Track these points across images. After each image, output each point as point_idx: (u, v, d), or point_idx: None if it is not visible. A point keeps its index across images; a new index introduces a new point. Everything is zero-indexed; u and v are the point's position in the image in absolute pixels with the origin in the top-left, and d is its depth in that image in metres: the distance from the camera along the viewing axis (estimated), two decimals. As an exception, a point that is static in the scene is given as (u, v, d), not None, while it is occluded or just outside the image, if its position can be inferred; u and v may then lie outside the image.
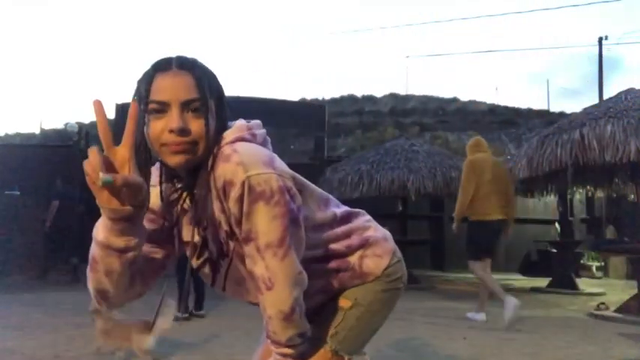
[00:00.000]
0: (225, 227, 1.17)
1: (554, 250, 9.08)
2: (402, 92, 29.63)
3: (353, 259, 1.33)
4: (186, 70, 1.13)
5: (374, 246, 1.36)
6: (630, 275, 9.59)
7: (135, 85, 1.17)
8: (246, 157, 1.10)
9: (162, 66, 1.14)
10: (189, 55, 1.18)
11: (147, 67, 1.16)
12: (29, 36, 60.59)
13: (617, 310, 5.76)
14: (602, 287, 8.51)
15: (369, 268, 1.34)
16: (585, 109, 7.34)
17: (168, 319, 3.25)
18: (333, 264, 1.32)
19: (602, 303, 6.09)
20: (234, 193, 1.09)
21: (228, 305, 6.03)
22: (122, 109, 11.41)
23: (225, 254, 1.23)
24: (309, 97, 25.49)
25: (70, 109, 50.96)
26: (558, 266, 8.62)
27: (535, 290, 8.14)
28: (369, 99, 29.20)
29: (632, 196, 7.97)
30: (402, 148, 8.69)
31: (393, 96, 29.25)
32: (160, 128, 1.11)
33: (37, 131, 26.70)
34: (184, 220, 1.25)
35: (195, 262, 1.30)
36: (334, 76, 55.76)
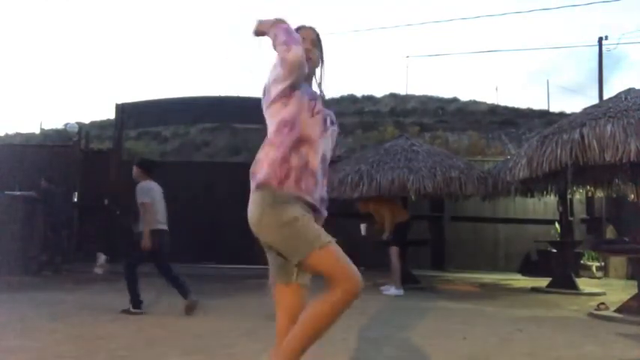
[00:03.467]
0: None
1: (554, 250, 9.08)
2: (402, 92, 29.62)
3: None
4: (312, 29, 2.26)
5: None
6: (630, 275, 9.59)
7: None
8: None
9: (303, 26, 2.24)
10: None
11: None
12: (29, 36, 60.61)
13: (617, 310, 5.75)
14: (602, 287, 8.50)
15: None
16: (585, 109, 7.34)
17: None
18: None
19: (602, 303, 6.09)
20: None
21: (229, 305, 6.04)
22: (122, 109, 11.41)
23: None
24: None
25: (70, 109, 50.85)
26: (558, 266, 8.61)
27: (535, 290, 8.14)
28: (369, 99, 29.18)
29: (632, 196, 7.96)
30: (402, 148, 8.68)
31: (393, 96, 29.22)
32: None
33: (37, 131, 26.72)
34: None
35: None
36: (334, 76, 55.72)
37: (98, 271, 8.51)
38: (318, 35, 2.21)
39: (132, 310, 5.18)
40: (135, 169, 5.60)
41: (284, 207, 1.95)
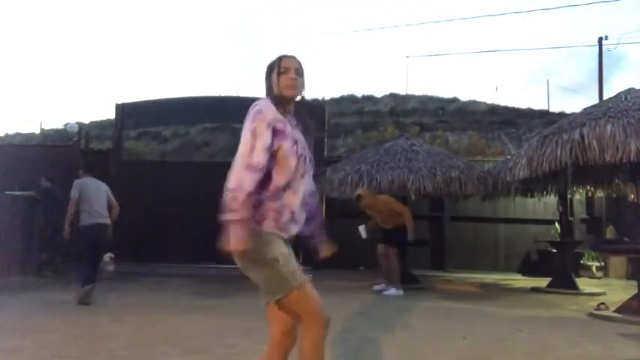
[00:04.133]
0: None
1: (554, 250, 9.08)
2: (402, 92, 29.58)
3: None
4: (295, 58, 2.22)
5: None
6: (630, 275, 9.59)
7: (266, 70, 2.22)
8: None
9: (285, 55, 2.22)
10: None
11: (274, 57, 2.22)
12: (29, 36, 60.62)
13: (617, 310, 5.75)
14: (602, 287, 8.50)
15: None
16: (585, 109, 7.34)
17: None
18: None
19: (602, 303, 6.09)
20: None
21: (229, 305, 6.03)
22: (122, 109, 11.41)
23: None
24: (309, 97, 25.46)
25: (70, 109, 50.82)
26: (558, 266, 8.61)
27: (535, 290, 8.13)
28: (369, 99, 29.15)
29: (632, 196, 7.96)
30: (402, 148, 8.67)
31: (393, 96, 29.19)
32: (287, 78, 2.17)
33: (37, 131, 26.71)
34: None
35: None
36: (334, 76, 55.68)
37: (109, 268, 8.49)
38: (301, 64, 2.22)
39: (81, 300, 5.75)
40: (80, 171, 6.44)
41: (265, 244, 2.06)
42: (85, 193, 6.04)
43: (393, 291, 7.24)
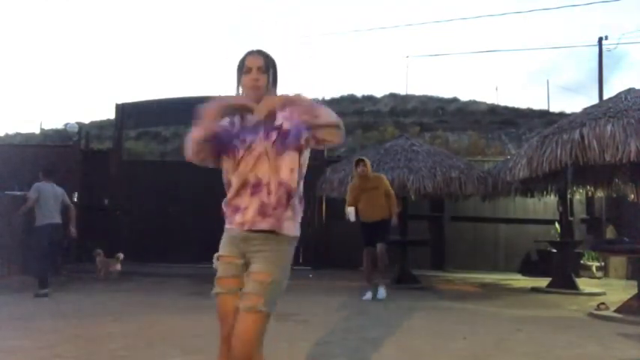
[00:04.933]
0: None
1: (554, 250, 9.08)
2: (402, 92, 29.56)
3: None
4: (260, 54, 2.15)
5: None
6: (630, 275, 9.59)
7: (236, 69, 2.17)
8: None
9: (250, 52, 2.17)
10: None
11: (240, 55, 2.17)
12: (29, 36, 60.61)
13: (617, 310, 5.75)
14: (602, 287, 8.50)
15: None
16: (585, 109, 7.34)
17: None
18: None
19: (602, 303, 6.09)
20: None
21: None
22: (122, 109, 11.40)
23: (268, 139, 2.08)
24: (308, 97, 25.44)
25: (70, 109, 50.81)
26: (558, 266, 8.61)
27: (535, 290, 8.13)
28: (369, 99, 29.14)
29: (632, 196, 7.96)
30: (402, 148, 8.68)
31: (393, 96, 29.18)
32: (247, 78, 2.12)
33: (37, 131, 26.71)
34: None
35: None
36: (334, 76, 55.71)
37: (117, 267, 8.44)
38: (267, 59, 2.15)
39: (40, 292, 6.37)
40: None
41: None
42: (42, 196, 6.74)
43: (382, 291, 6.58)
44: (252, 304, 1.96)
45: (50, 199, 6.80)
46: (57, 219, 6.84)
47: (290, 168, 2.07)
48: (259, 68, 2.10)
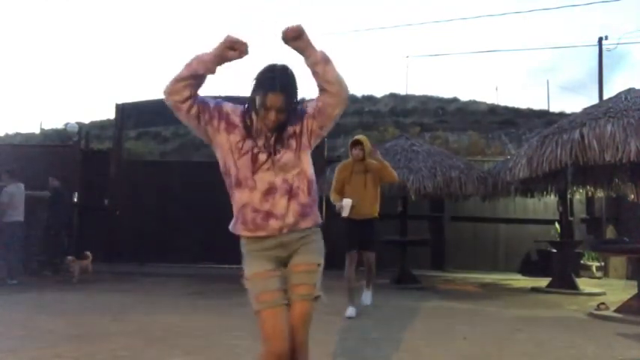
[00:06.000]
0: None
1: (554, 250, 9.08)
2: (402, 92, 29.59)
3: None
4: (283, 91, 1.99)
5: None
6: (630, 275, 9.59)
7: (254, 83, 2.04)
8: None
9: (272, 88, 1.98)
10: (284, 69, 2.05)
11: (258, 83, 2.03)
12: (29, 36, 60.61)
13: (617, 310, 5.75)
14: (602, 287, 8.50)
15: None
16: (585, 109, 7.34)
17: None
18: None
19: (602, 303, 6.09)
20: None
21: (229, 305, 6.03)
22: (122, 109, 11.40)
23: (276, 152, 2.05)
24: (309, 97, 25.49)
25: (70, 109, 50.84)
26: (558, 266, 8.61)
27: (535, 290, 8.13)
28: (369, 99, 29.17)
29: (632, 196, 7.96)
30: (402, 148, 8.68)
31: (393, 96, 29.22)
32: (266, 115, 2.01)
33: (37, 131, 26.72)
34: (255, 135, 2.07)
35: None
36: (334, 76, 55.58)
37: (89, 267, 8.11)
38: (288, 96, 2.01)
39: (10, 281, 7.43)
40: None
41: (244, 259, 2.11)
42: (14, 198, 7.74)
43: (369, 295, 5.49)
44: (309, 292, 2.06)
45: (20, 199, 7.85)
46: (22, 217, 7.91)
47: (310, 163, 2.14)
48: (279, 108, 2.00)
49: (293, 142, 2.07)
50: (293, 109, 2.06)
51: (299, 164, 2.08)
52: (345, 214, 5.03)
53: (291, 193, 2.05)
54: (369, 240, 5.22)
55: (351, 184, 5.18)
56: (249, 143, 2.05)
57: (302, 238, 2.09)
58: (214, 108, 2.08)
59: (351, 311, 5.14)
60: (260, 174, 2.04)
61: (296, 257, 2.08)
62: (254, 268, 2.07)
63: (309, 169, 2.13)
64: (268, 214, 2.04)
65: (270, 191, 2.04)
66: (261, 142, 2.05)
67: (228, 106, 2.11)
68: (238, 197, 2.08)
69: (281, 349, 1.99)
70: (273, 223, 2.04)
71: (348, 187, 5.19)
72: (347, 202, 5.01)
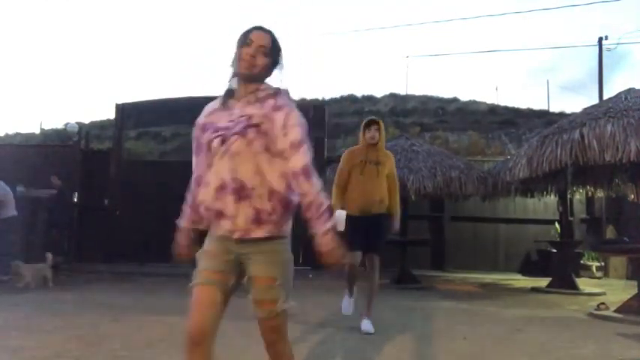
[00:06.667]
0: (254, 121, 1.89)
1: (554, 250, 9.08)
2: (402, 92, 29.61)
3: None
4: (268, 34, 1.95)
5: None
6: (630, 275, 9.59)
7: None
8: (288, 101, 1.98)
9: (258, 27, 1.96)
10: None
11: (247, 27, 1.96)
12: (29, 36, 60.63)
13: (617, 310, 5.75)
14: (602, 287, 8.50)
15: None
16: (585, 109, 7.35)
17: None
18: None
19: (602, 303, 6.09)
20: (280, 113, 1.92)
21: (229, 305, 6.03)
22: (122, 109, 11.40)
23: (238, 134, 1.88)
24: (309, 97, 25.52)
25: (70, 109, 50.88)
26: (558, 266, 8.61)
27: (535, 290, 8.13)
28: (369, 99, 29.18)
29: (632, 196, 7.96)
30: (402, 148, 8.68)
31: (393, 96, 29.22)
32: (244, 51, 1.92)
33: (37, 131, 26.72)
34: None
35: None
36: (334, 76, 55.77)
37: (47, 272, 7.28)
38: (273, 41, 1.95)
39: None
40: None
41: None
42: (5, 197, 7.86)
43: (369, 323, 4.41)
44: (269, 310, 1.92)
45: (9, 197, 8.02)
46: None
47: (279, 173, 1.89)
48: (261, 47, 1.91)
49: (251, 133, 1.88)
50: (273, 65, 1.94)
51: (254, 162, 1.87)
52: (340, 228, 3.91)
53: (241, 193, 1.86)
54: (374, 241, 4.39)
55: (362, 173, 4.40)
56: (209, 132, 1.95)
57: (257, 247, 1.90)
58: (196, 135, 2.05)
59: (346, 305, 4.46)
60: (214, 167, 1.90)
61: (254, 267, 1.91)
62: (207, 246, 1.98)
63: (276, 180, 1.89)
64: (219, 214, 1.90)
65: (222, 187, 1.88)
66: (224, 119, 1.92)
67: (201, 116, 2.08)
68: (198, 197, 1.96)
69: (197, 326, 1.86)
70: (225, 224, 1.90)
71: (357, 177, 4.40)
72: (340, 215, 4.05)
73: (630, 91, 6.90)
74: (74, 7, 63.04)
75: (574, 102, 47.14)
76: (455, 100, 28.48)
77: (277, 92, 1.96)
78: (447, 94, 29.40)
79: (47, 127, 27.12)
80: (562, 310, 6.32)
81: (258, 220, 1.88)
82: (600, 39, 17.69)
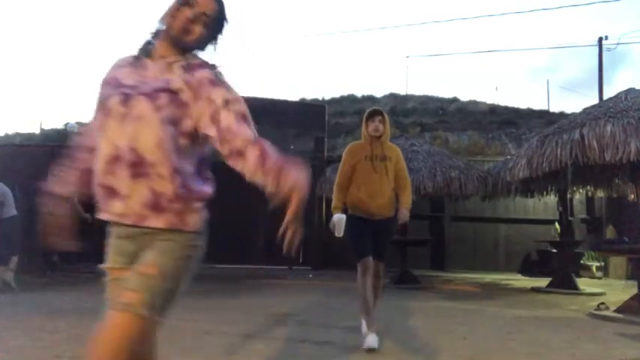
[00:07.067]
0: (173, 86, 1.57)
1: (554, 250, 9.08)
2: (402, 92, 29.62)
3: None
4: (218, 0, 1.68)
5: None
6: (630, 275, 9.58)
7: None
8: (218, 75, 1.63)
9: None
10: None
11: None
12: (29, 36, 60.63)
13: (617, 310, 5.75)
14: (602, 287, 8.50)
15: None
16: (585, 109, 7.35)
17: None
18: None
19: (602, 303, 6.09)
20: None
21: (229, 305, 6.03)
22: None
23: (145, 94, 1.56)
24: (309, 97, 25.52)
25: (70, 109, 50.90)
26: (558, 266, 8.61)
27: (535, 290, 8.13)
28: (369, 99, 29.18)
29: (632, 196, 7.96)
30: (402, 148, 8.55)
31: (393, 96, 29.24)
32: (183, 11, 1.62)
33: (37, 131, 26.69)
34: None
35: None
36: (334, 76, 55.81)
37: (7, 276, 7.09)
38: (219, 11, 1.68)
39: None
40: None
41: None
42: (5, 197, 7.57)
43: (375, 337, 3.81)
44: (127, 302, 1.49)
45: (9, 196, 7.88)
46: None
47: (186, 154, 1.58)
48: (204, 14, 1.64)
49: (163, 98, 1.54)
50: (209, 39, 1.66)
51: (158, 133, 1.52)
52: (339, 234, 3.86)
53: (138, 169, 1.52)
54: (385, 249, 4.11)
55: (367, 170, 3.97)
56: (109, 87, 1.63)
57: (156, 237, 1.57)
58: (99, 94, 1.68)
59: (372, 340, 3.71)
60: (108, 132, 1.55)
61: (141, 256, 1.57)
62: (107, 261, 1.66)
63: (183, 164, 1.57)
64: (111, 191, 1.56)
65: (116, 158, 1.53)
66: (132, 78, 1.60)
67: (107, 71, 1.72)
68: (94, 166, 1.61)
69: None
70: (117, 205, 1.56)
71: (362, 176, 3.97)
72: (339, 219, 3.83)
73: (630, 91, 6.91)
74: (74, 7, 63.07)
75: (574, 102, 47.12)
76: (455, 100, 28.48)
77: (214, 66, 1.64)
78: (447, 94, 29.43)
79: (47, 127, 27.12)
80: (562, 310, 6.32)
81: (156, 205, 1.54)
82: (600, 39, 17.67)
